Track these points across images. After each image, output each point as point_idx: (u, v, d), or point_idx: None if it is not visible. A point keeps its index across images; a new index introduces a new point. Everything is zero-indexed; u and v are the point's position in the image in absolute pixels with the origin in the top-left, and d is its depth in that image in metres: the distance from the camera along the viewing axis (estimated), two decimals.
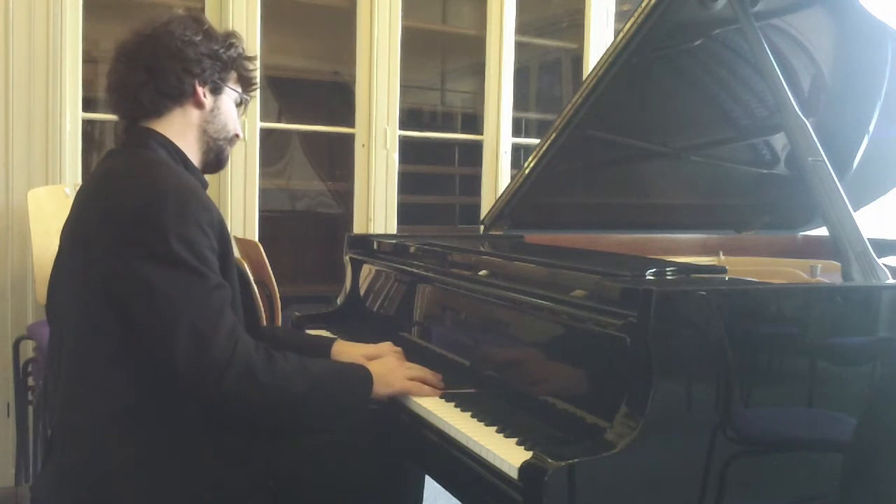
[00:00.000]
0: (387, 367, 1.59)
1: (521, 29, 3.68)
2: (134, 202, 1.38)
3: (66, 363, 1.44)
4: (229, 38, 1.61)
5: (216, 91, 1.59)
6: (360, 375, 1.54)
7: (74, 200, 1.55)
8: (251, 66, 1.66)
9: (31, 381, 2.64)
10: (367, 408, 1.56)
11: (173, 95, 1.54)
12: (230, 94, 1.62)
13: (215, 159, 1.63)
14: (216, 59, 1.57)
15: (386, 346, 1.73)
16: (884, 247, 2.00)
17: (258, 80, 1.70)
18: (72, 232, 1.50)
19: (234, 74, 1.63)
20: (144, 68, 1.52)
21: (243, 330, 1.41)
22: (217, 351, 1.34)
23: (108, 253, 1.37)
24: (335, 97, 3.81)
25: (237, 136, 1.66)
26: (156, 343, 1.35)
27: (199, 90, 1.56)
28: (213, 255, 1.41)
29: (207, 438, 1.44)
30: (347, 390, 1.52)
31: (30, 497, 1.50)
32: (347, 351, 1.73)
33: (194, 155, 1.59)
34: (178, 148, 1.55)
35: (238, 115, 1.66)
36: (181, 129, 1.56)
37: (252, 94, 1.70)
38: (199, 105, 1.57)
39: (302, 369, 1.45)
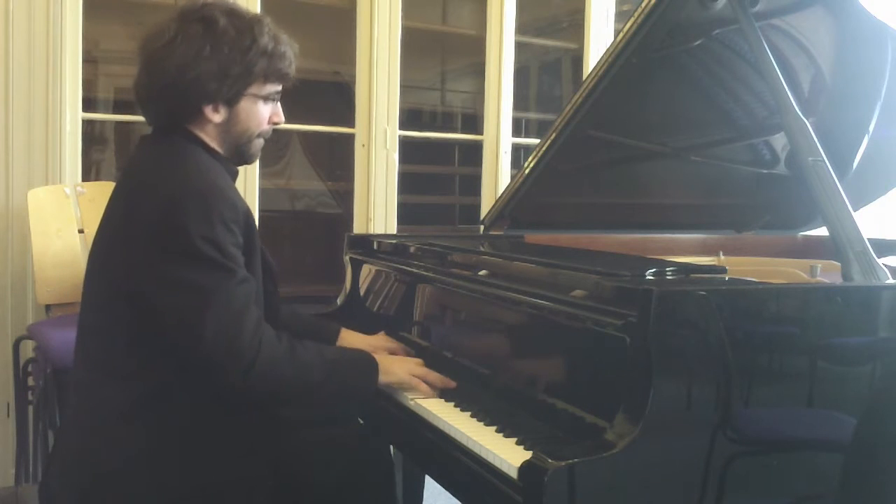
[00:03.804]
0: (392, 358, 1.64)
1: (521, 29, 3.67)
2: (158, 203, 1.40)
3: (85, 351, 1.49)
4: (247, 39, 1.48)
5: (232, 102, 1.51)
6: (367, 363, 1.57)
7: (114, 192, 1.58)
8: (278, 63, 1.53)
9: (31, 381, 2.64)
10: (371, 399, 1.59)
11: (180, 116, 1.51)
12: (253, 98, 1.53)
13: (239, 158, 1.60)
14: (225, 76, 1.47)
15: (381, 339, 1.82)
16: (884, 247, 2.00)
17: (292, 64, 1.56)
18: (105, 221, 1.53)
19: (257, 77, 1.51)
20: (146, 92, 1.51)
21: (265, 323, 1.45)
22: (244, 346, 1.38)
23: (131, 251, 1.40)
24: (335, 97, 3.81)
25: (273, 123, 1.59)
26: (183, 338, 1.39)
27: (207, 109, 1.50)
28: (238, 250, 1.43)
29: (213, 432, 1.46)
30: (357, 377, 1.56)
31: (39, 484, 1.54)
32: (352, 340, 1.82)
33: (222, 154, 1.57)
34: (205, 142, 1.53)
35: (272, 103, 1.58)
36: (202, 135, 1.53)
37: (287, 82, 1.59)
38: (211, 121, 1.51)
39: (319, 358, 1.50)
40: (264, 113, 1.57)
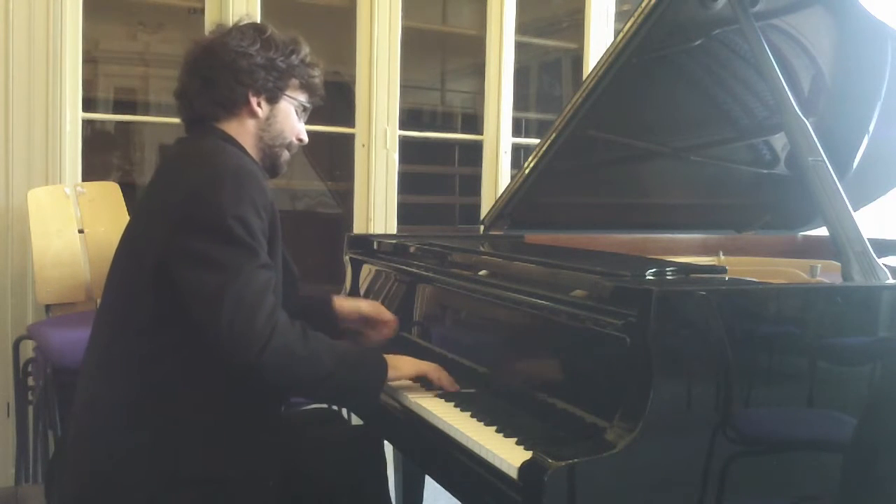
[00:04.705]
0: (401, 357, 1.62)
1: (521, 29, 3.67)
2: (195, 181, 1.46)
3: (98, 340, 1.52)
4: (290, 46, 1.63)
5: (272, 100, 1.62)
6: (376, 360, 1.57)
7: (148, 185, 1.65)
8: (314, 73, 1.67)
9: (31, 381, 2.64)
10: (379, 396, 1.57)
11: (225, 105, 1.59)
12: (290, 101, 1.65)
13: (271, 165, 1.68)
14: (272, 68, 1.59)
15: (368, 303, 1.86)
16: (884, 247, 2.00)
17: (321, 86, 1.71)
18: (136, 210, 1.60)
19: (295, 81, 1.65)
20: (199, 78, 1.59)
21: (281, 308, 1.46)
22: (260, 324, 1.40)
23: (165, 227, 1.44)
24: (335, 97, 3.81)
25: (299, 140, 1.69)
26: (202, 312, 1.41)
27: (253, 100, 1.59)
28: (264, 236, 1.47)
29: (219, 429, 1.48)
30: (366, 373, 1.55)
31: (44, 482, 1.55)
32: (343, 304, 1.87)
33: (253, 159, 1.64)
34: (239, 144, 1.60)
35: (301, 119, 1.69)
36: (238, 136, 1.61)
37: (316, 100, 1.71)
38: (254, 114, 1.61)
39: (330, 349, 1.51)
40: (297, 123, 1.67)
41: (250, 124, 1.61)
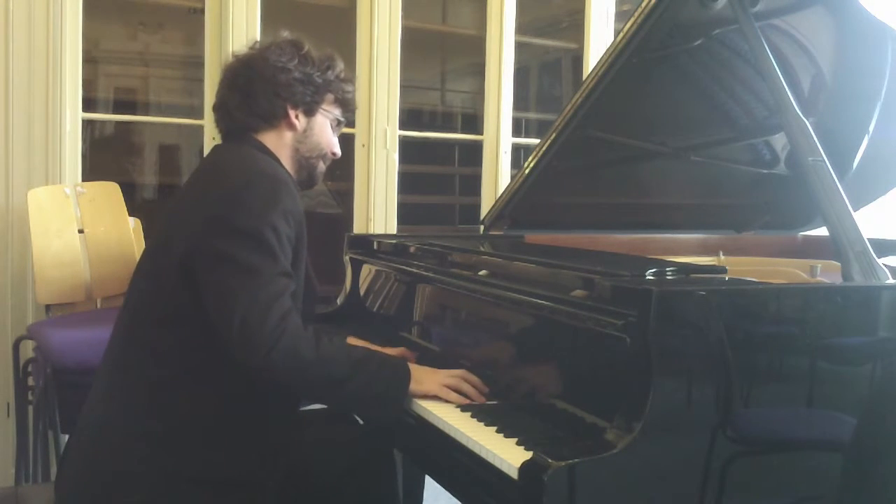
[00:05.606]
0: (425, 369, 1.58)
1: (521, 29, 3.67)
2: (229, 184, 1.50)
3: (120, 330, 1.55)
4: (326, 62, 1.68)
5: (309, 112, 1.67)
6: (399, 369, 1.55)
7: (182, 187, 1.71)
8: (348, 88, 1.73)
9: (31, 381, 2.64)
10: (399, 407, 1.53)
11: (265, 117, 1.64)
12: (325, 114, 1.70)
13: (308, 177, 1.72)
14: (309, 82, 1.65)
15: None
16: (884, 247, 2.00)
17: (355, 101, 1.76)
18: (168, 211, 1.63)
19: (330, 96, 1.69)
20: (239, 91, 1.64)
21: (297, 314, 1.47)
22: (271, 325, 1.41)
23: (196, 226, 1.47)
24: None
25: (333, 153, 1.73)
26: (218, 309, 1.43)
27: (291, 112, 1.64)
28: (290, 244, 1.50)
29: (226, 426, 1.49)
30: (385, 380, 1.53)
31: (54, 482, 1.60)
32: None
33: (289, 170, 1.67)
34: (275, 155, 1.64)
35: (335, 133, 1.73)
36: (275, 147, 1.65)
37: (350, 115, 1.77)
38: (292, 126, 1.66)
39: (344, 354, 1.52)
40: (332, 136, 1.73)
41: (288, 136, 1.66)
